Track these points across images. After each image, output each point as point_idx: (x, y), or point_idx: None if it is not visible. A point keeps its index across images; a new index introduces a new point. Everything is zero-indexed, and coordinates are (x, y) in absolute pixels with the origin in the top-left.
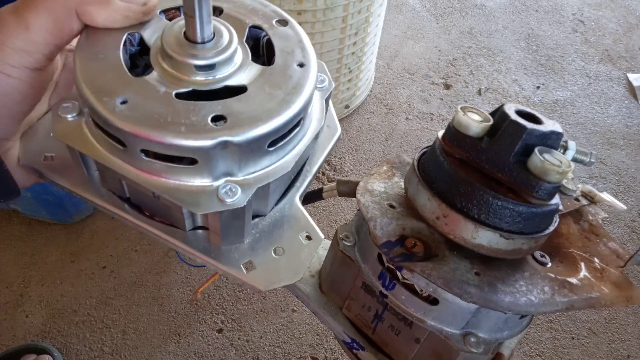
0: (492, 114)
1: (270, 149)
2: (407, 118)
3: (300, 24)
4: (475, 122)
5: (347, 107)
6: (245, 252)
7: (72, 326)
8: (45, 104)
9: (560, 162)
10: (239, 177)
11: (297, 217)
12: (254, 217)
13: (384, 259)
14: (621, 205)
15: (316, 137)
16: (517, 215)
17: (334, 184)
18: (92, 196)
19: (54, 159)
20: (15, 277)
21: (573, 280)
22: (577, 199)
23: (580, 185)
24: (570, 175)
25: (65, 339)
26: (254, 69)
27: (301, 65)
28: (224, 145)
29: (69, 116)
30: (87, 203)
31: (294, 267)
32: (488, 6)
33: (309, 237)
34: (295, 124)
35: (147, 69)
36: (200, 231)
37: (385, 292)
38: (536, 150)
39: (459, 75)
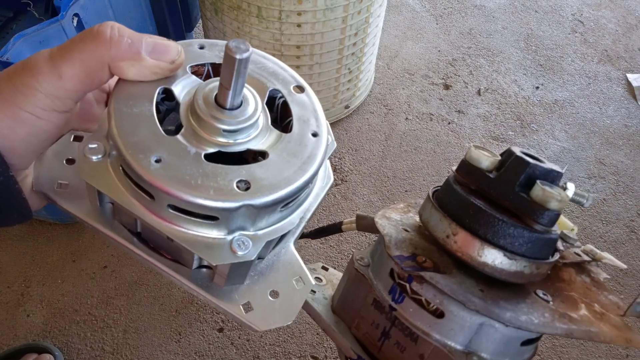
0: (501, 154)
1: (282, 209)
2: (406, 118)
3: (300, 24)
4: (485, 156)
5: (346, 107)
6: (244, 293)
7: (73, 325)
8: None
9: (559, 193)
10: (251, 232)
11: (291, 262)
12: None
13: (395, 270)
14: (621, 265)
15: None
16: (519, 237)
17: (353, 218)
18: (103, 227)
19: (67, 187)
20: (17, 277)
21: (573, 315)
22: (578, 254)
23: (581, 246)
24: (574, 230)
25: (67, 339)
26: (273, 134)
27: (315, 134)
28: (246, 207)
29: (94, 157)
30: None
31: (287, 311)
32: (487, 7)
33: (302, 282)
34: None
35: (175, 122)
36: (204, 270)
37: (394, 305)
38: (538, 181)
39: (459, 76)
